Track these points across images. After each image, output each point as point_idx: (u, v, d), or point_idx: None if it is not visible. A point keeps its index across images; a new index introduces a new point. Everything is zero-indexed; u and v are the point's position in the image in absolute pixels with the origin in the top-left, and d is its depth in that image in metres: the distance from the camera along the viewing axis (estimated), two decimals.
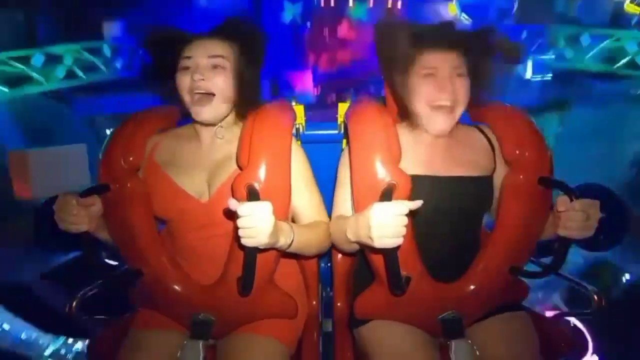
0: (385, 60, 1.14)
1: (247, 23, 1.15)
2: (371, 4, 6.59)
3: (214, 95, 1.08)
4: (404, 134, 1.12)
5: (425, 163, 1.14)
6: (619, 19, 5.73)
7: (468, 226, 1.19)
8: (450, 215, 1.13)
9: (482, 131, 1.22)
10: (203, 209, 1.12)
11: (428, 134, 1.14)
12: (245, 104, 1.14)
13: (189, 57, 1.09)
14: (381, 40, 1.15)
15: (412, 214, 0.90)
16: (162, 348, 1.11)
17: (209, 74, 1.08)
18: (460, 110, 1.11)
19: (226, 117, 1.14)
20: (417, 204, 0.90)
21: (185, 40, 1.11)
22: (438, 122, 1.09)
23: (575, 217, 0.96)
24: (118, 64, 5.70)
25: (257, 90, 1.17)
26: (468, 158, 1.17)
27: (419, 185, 1.07)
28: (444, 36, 1.10)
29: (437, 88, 1.08)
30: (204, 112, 1.08)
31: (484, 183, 1.16)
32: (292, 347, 1.20)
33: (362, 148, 1.06)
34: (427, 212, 1.05)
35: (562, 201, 0.99)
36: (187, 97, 1.09)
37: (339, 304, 1.38)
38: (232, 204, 0.91)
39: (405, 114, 1.13)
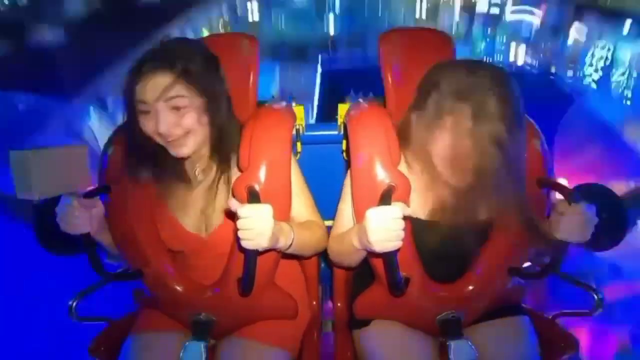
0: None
1: (187, 46, 1.03)
2: None
3: (187, 134, 1.00)
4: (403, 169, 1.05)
5: (426, 207, 1.07)
6: None
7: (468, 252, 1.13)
8: (449, 258, 1.10)
9: None
10: (204, 244, 1.12)
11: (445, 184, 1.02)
12: (222, 134, 1.07)
13: (144, 102, 0.96)
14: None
15: (410, 220, 0.89)
16: (164, 350, 1.11)
17: (173, 117, 0.97)
18: None
19: (207, 148, 1.09)
20: (409, 210, 0.89)
21: (134, 79, 0.97)
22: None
23: (573, 221, 0.96)
24: None
25: (229, 116, 1.08)
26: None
27: (424, 230, 1.05)
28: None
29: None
30: (182, 150, 1.01)
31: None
32: (295, 352, 1.21)
33: (361, 149, 1.06)
34: (430, 257, 1.06)
35: (560, 203, 0.99)
36: (159, 139, 1.01)
37: (339, 304, 1.38)
38: (233, 205, 0.91)
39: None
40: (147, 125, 0.99)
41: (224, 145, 1.08)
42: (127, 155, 1.08)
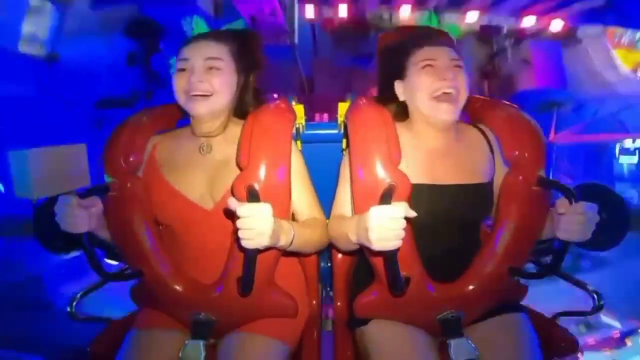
0: (385, 63, 1.14)
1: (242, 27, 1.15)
2: None
3: (210, 95, 1.09)
4: (403, 140, 1.11)
5: (425, 171, 1.13)
6: None
7: (468, 231, 1.19)
8: (450, 223, 1.13)
9: (482, 131, 1.21)
10: (207, 216, 1.11)
11: (428, 139, 1.14)
12: (242, 105, 1.15)
13: (185, 59, 1.09)
14: (383, 46, 1.15)
15: (410, 221, 0.90)
16: (164, 348, 1.11)
17: (206, 75, 1.08)
18: (462, 100, 1.10)
19: (222, 119, 1.14)
20: (412, 213, 0.90)
21: (183, 44, 1.12)
22: (442, 112, 1.09)
23: (573, 220, 0.95)
24: None
25: (253, 92, 1.17)
26: (469, 164, 1.16)
27: (419, 193, 1.06)
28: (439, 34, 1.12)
29: (438, 77, 1.09)
30: (200, 107, 1.09)
31: (484, 190, 1.16)
32: (293, 346, 1.21)
33: (361, 148, 1.06)
34: (426, 220, 1.06)
35: (561, 203, 0.99)
36: (182, 97, 1.10)
37: (338, 304, 1.38)
38: (232, 204, 0.91)
39: (406, 114, 1.13)
40: (179, 82, 1.09)
41: (242, 115, 1.15)
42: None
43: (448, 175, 1.13)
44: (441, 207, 1.11)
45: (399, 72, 1.15)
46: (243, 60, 1.14)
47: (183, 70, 1.10)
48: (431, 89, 1.09)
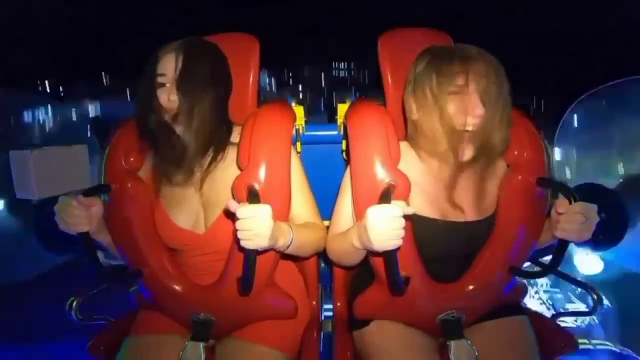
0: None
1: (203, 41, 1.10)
2: None
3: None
4: (415, 165, 1.07)
5: (439, 205, 1.07)
6: None
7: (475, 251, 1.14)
8: (458, 257, 1.11)
9: None
10: (200, 241, 1.11)
11: (446, 167, 1.06)
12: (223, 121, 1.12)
13: (163, 75, 1.04)
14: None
15: (411, 222, 0.89)
16: (163, 352, 1.11)
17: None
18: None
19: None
20: (412, 211, 0.89)
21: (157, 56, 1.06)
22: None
23: (573, 220, 0.95)
24: None
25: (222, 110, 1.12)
26: (484, 195, 1.09)
27: (429, 228, 1.04)
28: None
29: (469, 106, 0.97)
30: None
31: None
32: (294, 353, 1.21)
33: (361, 149, 1.06)
34: (435, 254, 1.06)
35: (561, 204, 0.98)
36: (167, 114, 1.05)
37: (339, 305, 1.38)
38: (232, 206, 0.91)
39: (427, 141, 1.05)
40: (162, 98, 1.04)
41: (215, 139, 1.10)
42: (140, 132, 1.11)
43: (460, 209, 1.07)
44: (450, 244, 1.07)
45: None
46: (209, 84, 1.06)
47: (164, 85, 1.04)
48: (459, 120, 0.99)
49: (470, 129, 0.99)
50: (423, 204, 1.06)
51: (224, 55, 1.13)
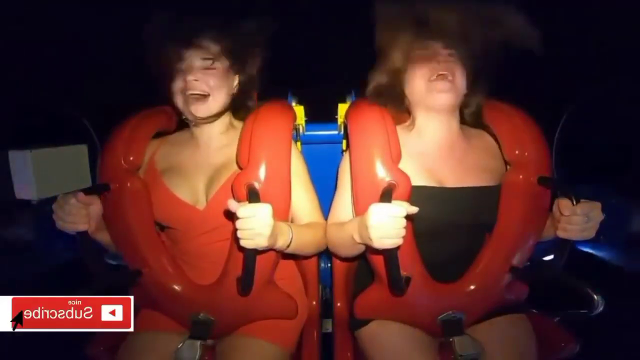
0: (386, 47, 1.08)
1: (240, 25, 1.12)
2: None
3: (208, 95, 1.08)
4: (405, 141, 1.09)
5: (431, 172, 1.10)
6: None
7: (474, 234, 1.16)
8: (457, 227, 1.10)
9: (494, 136, 1.17)
10: (200, 216, 1.11)
11: (431, 135, 1.12)
12: (240, 105, 1.15)
13: (181, 59, 1.08)
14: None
15: (412, 220, 0.89)
16: (162, 350, 1.11)
17: (202, 75, 1.07)
18: (460, 86, 1.06)
19: (220, 117, 1.13)
20: (414, 209, 0.89)
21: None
22: (439, 96, 1.05)
23: (575, 220, 0.95)
24: None
25: (251, 93, 1.17)
26: (479, 165, 1.13)
27: (424, 196, 1.04)
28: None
29: (434, 61, 1.04)
30: (199, 110, 1.08)
31: (492, 193, 1.11)
32: (292, 349, 1.21)
33: (362, 148, 1.06)
34: (431, 224, 1.05)
35: (564, 205, 0.98)
36: (180, 99, 1.09)
37: (339, 304, 1.38)
38: (232, 205, 0.91)
39: (403, 102, 1.12)
40: (176, 83, 1.08)
41: (239, 116, 1.16)
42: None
43: (455, 177, 1.10)
44: (444, 211, 1.07)
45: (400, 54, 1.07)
46: (240, 60, 1.12)
47: (180, 70, 1.08)
48: (427, 74, 1.05)
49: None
50: (414, 173, 1.05)
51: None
